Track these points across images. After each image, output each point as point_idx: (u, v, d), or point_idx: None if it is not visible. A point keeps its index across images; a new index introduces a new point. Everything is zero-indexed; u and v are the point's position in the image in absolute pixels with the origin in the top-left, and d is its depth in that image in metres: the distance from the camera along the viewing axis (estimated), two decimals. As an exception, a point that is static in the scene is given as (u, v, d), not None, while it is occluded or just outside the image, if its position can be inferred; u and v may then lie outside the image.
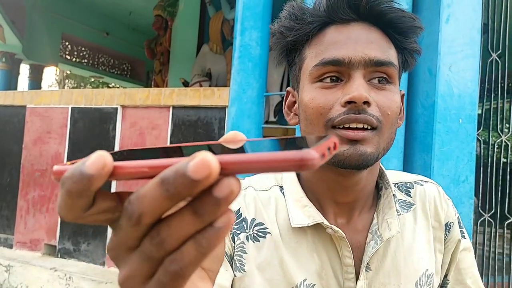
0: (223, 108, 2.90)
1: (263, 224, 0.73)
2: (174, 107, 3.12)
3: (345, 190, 0.72)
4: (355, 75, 0.66)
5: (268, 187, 0.77)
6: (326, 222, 0.70)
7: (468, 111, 2.11)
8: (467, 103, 2.11)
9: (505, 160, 2.88)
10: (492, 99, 2.77)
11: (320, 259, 0.71)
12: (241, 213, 0.74)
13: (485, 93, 2.75)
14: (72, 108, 3.54)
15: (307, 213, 0.71)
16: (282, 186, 0.77)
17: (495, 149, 2.80)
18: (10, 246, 3.70)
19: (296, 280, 0.70)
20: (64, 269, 3.18)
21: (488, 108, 2.79)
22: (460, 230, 0.82)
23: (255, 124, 2.49)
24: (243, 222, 0.73)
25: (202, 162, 0.23)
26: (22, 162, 3.74)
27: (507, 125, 2.90)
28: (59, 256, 3.48)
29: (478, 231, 2.75)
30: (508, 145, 2.79)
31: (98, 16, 8.04)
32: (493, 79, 2.70)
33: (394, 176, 0.83)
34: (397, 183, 0.82)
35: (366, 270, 0.72)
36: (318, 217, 0.70)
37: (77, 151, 3.50)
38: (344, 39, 0.67)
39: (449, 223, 0.81)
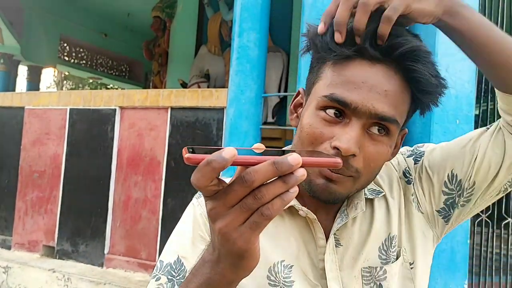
0: (221, 109, 2.91)
1: None
2: (172, 108, 3.12)
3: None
4: (354, 124, 0.67)
5: None
6: (298, 205, 0.76)
7: (465, 112, 2.12)
8: (464, 104, 2.12)
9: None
10: (489, 100, 2.78)
11: (296, 241, 0.78)
12: None
13: (482, 94, 2.76)
14: (71, 110, 3.54)
15: None
16: None
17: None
18: (9, 247, 3.70)
19: (272, 259, 0.76)
20: (62, 270, 3.18)
21: (485, 109, 2.80)
22: (415, 158, 0.86)
23: (253, 125, 2.50)
24: None
25: (297, 157, 0.42)
26: (21, 164, 3.74)
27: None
28: (57, 257, 3.48)
29: (475, 231, 2.76)
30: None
31: (97, 17, 8.03)
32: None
33: None
34: None
35: (336, 246, 0.78)
36: (292, 201, 0.75)
37: (76, 152, 3.50)
38: (360, 83, 0.67)
39: (405, 169, 0.86)
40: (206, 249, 0.56)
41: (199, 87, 4.97)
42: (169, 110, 3.13)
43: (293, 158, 0.42)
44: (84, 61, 8.70)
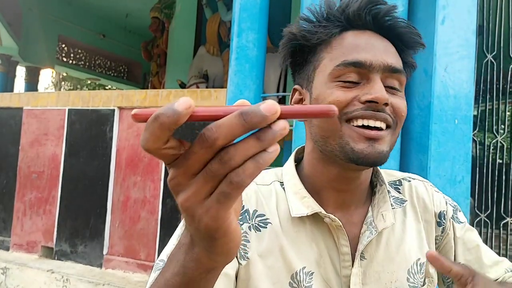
0: (220, 110, 2.90)
1: (264, 215, 0.77)
2: (171, 109, 3.11)
3: (346, 185, 0.78)
4: (375, 78, 0.71)
5: (269, 182, 0.82)
6: (324, 212, 0.74)
7: (464, 112, 2.12)
8: (462, 104, 2.13)
9: (500, 160, 2.90)
10: (487, 100, 2.79)
11: (318, 248, 0.76)
12: (243, 205, 0.77)
13: (481, 94, 2.77)
14: (69, 110, 3.54)
15: (306, 204, 0.76)
16: (282, 182, 0.81)
17: (491, 150, 2.82)
18: (7, 248, 3.69)
19: (296, 267, 0.74)
20: (61, 271, 3.17)
21: (484, 109, 2.81)
22: (456, 217, 0.88)
23: (252, 125, 2.50)
24: (246, 213, 0.77)
25: (273, 104, 0.33)
26: (19, 164, 3.73)
27: (503, 126, 2.91)
28: (56, 258, 3.47)
29: (474, 231, 2.76)
30: (503, 145, 2.80)
31: (95, 18, 8.03)
32: (488, 80, 2.71)
33: (385, 175, 0.87)
34: (388, 182, 0.86)
35: (360, 259, 0.76)
36: (316, 207, 0.75)
37: (74, 153, 3.50)
38: (364, 44, 0.73)
39: (442, 212, 0.87)
40: (182, 232, 0.48)
41: (197, 87, 4.97)
42: (168, 111, 3.13)
43: (267, 106, 0.33)
44: (82, 62, 8.70)
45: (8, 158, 3.80)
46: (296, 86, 0.82)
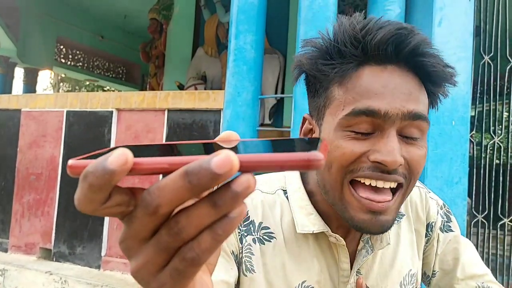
0: (218, 111, 2.91)
1: (269, 228, 0.75)
2: (169, 110, 3.12)
3: None
4: (390, 132, 0.61)
5: (273, 191, 0.79)
6: (330, 232, 0.73)
7: (461, 113, 2.13)
8: (460, 105, 2.14)
9: (498, 161, 2.90)
10: (484, 101, 2.80)
11: (319, 263, 0.75)
12: (249, 216, 0.75)
13: (478, 95, 2.77)
14: (67, 112, 3.54)
15: (312, 221, 0.74)
16: (285, 190, 0.79)
17: (488, 150, 2.82)
18: (5, 250, 3.68)
19: (294, 282, 0.73)
20: (59, 272, 3.17)
21: (481, 110, 2.82)
22: (446, 224, 0.87)
23: (250, 126, 2.51)
24: (251, 225, 0.75)
25: (226, 159, 0.25)
26: (17, 166, 3.73)
27: (500, 127, 2.92)
28: (54, 259, 3.47)
29: (471, 232, 2.77)
30: (501, 146, 2.81)
31: (93, 19, 8.02)
32: (486, 81, 2.72)
33: None
34: None
35: (356, 274, 0.76)
36: (323, 227, 0.73)
37: (72, 154, 3.49)
38: (380, 88, 0.62)
39: (430, 223, 0.86)
40: None
41: (196, 89, 4.97)
42: (166, 112, 3.14)
43: (219, 161, 0.25)
44: (80, 63, 8.69)
45: (6, 160, 3.80)
46: (306, 115, 0.75)
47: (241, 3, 2.50)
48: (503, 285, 2.91)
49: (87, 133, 3.45)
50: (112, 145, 3.30)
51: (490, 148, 2.82)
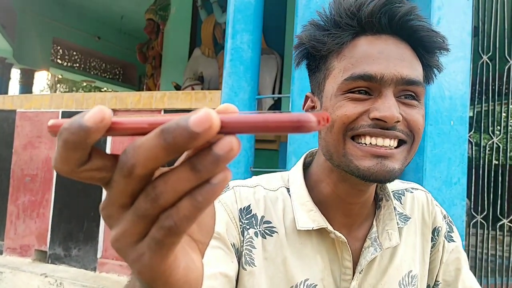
0: (215, 112, 2.89)
1: (271, 222, 0.76)
2: (165, 111, 3.10)
3: (355, 199, 0.75)
4: (386, 92, 0.65)
5: (276, 188, 0.79)
6: (330, 227, 0.73)
7: (460, 113, 2.12)
8: (458, 105, 2.12)
9: (496, 162, 2.89)
10: (483, 102, 2.79)
11: (322, 261, 0.75)
12: (251, 209, 0.76)
13: (476, 95, 2.76)
14: (63, 112, 3.52)
15: (312, 217, 0.74)
16: (289, 188, 0.79)
17: (487, 151, 2.81)
18: (0, 252, 3.66)
19: (296, 279, 0.73)
20: (55, 274, 3.14)
21: (480, 111, 2.80)
22: (448, 234, 0.87)
23: (247, 127, 2.48)
24: (253, 218, 0.75)
25: (204, 115, 0.23)
26: (12, 167, 3.70)
27: (498, 127, 2.91)
28: (49, 261, 3.44)
29: (470, 233, 2.75)
30: (499, 146, 2.80)
31: (90, 20, 8.00)
32: (484, 81, 2.71)
33: (388, 185, 0.85)
34: (392, 191, 0.84)
35: (359, 273, 0.76)
36: (323, 222, 0.73)
37: (68, 155, 3.46)
38: (376, 54, 0.66)
39: (437, 227, 0.86)
40: None
41: (193, 89, 4.95)
42: (162, 113, 3.12)
43: (197, 119, 0.23)
44: (77, 64, 8.67)
45: (1, 161, 3.77)
46: (308, 93, 0.79)
47: (238, 3, 2.49)
48: (502, 286, 2.90)
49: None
50: (108, 145, 3.28)
51: (489, 148, 2.81)
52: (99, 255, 3.26)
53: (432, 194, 0.92)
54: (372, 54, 0.66)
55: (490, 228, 2.78)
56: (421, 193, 0.88)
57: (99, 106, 0.25)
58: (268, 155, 3.80)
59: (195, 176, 0.25)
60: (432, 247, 0.85)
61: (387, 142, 0.65)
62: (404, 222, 0.80)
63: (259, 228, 0.75)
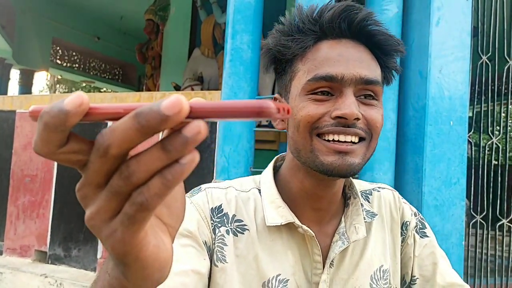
0: (215, 112, 2.89)
1: (242, 221, 0.79)
2: (165, 111, 3.10)
3: (322, 195, 0.79)
4: (347, 92, 0.70)
5: (248, 189, 0.84)
6: (297, 222, 0.76)
7: (459, 113, 2.12)
8: (458, 105, 2.12)
9: (496, 162, 2.89)
10: (482, 102, 2.79)
11: (293, 256, 0.78)
12: (222, 209, 0.79)
13: (476, 96, 2.76)
14: (63, 113, 3.51)
15: (280, 213, 0.77)
16: (260, 189, 0.83)
17: (486, 151, 2.82)
18: (0, 253, 3.65)
19: (268, 274, 0.76)
20: (55, 275, 3.14)
21: (479, 111, 2.81)
22: (421, 230, 0.90)
23: (246, 127, 2.49)
24: (224, 217, 0.79)
25: (175, 100, 0.26)
26: (12, 168, 3.70)
27: (498, 128, 2.91)
28: (49, 262, 3.44)
29: (470, 233, 2.76)
30: (499, 147, 2.80)
31: (89, 20, 8.00)
32: (484, 81, 2.71)
33: (356, 184, 0.89)
34: (360, 191, 0.89)
35: (329, 266, 0.79)
36: (290, 217, 0.77)
37: (68, 156, 3.46)
38: (336, 57, 0.72)
39: (405, 222, 0.90)
40: None
41: (192, 90, 4.95)
42: (162, 113, 3.11)
43: (168, 103, 0.26)
44: (76, 65, 8.67)
45: (1, 162, 3.76)
46: (277, 95, 0.83)
47: (238, 3, 2.49)
48: (501, 286, 2.90)
49: (82, 134, 3.38)
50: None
51: (488, 148, 2.81)
52: (99, 255, 3.26)
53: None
54: (333, 57, 0.72)
55: (489, 228, 2.78)
56: (387, 192, 0.92)
57: (77, 92, 0.28)
58: (267, 155, 3.79)
59: (165, 155, 0.28)
60: (402, 242, 0.89)
61: (349, 138, 0.70)
62: (371, 218, 0.84)
63: (231, 226, 0.78)
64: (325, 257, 0.79)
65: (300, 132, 0.73)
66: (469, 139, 2.51)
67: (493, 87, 2.77)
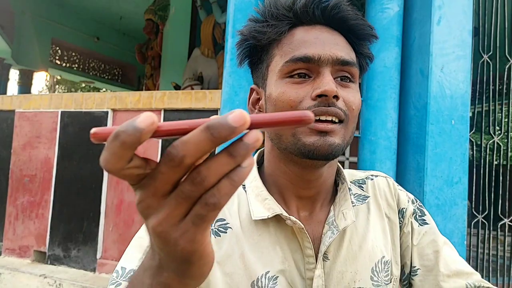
0: (215, 111, 2.88)
1: (224, 219, 0.76)
2: (165, 110, 3.09)
3: (307, 184, 0.76)
4: (324, 72, 0.70)
5: None
6: (285, 213, 0.73)
7: (461, 112, 2.11)
8: (459, 104, 2.11)
9: (497, 162, 2.89)
10: (484, 102, 2.78)
11: (282, 251, 0.74)
12: None
13: (477, 95, 2.76)
14: (62, 112, 3.50)
15: (267, 206, 0.75)
16: (244, 185, 0.80)
17: (488, 151, 2.81)
18: (-1, 253, 3.65)
19: (257, 273, 0.72)
20: (54, 275, 3.13)
21: (480, 111, 2.80)
22: (420, 218, 0.87)
23: (247, 126, 2.48)
24: None
25: (241, 115, 0.30)
26: (11, 167, 3.69)
27: (499, 127, 2.91)
28: (49, 262, 3.43)
29: (471, 232, 2.75)
30: (500, 146, 2.79)
31: (89, 21, 7.99)
32: (485, 81, 2.71)
33: (348, 175, 0.88)
34: (352, 181, 0.87)
35: (323, 260, 0.75)
36: (278, 209, 0.73)
37: (67, 155, 3.46)
38: (312, 39, 0.72)
39: (402, 209, 0.86)
40: (146, 253, 0.44)
41: (192, 90, 4.94)
42: (162, 112, 3.11)
43: (235, 117, 0.30)
44: (76, 65, 8.65)
45: (0, 162, 3.75)
46: (253, 86, 0.83)
47: (238, 2, 2.48)
48: (503, 286, 2.89)
49: (82, 134, 3.41)
50: (108, 146, 3.27)
51: (489, 148, 2.80)
52: (98, 255, 3.24)
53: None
54: (309, 39, 0.73)
55: (491, 228, 2.77)
56: (381, 179, 0.89)
57: (147, 112, 0.31)
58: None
59: (232, 160, 0.32)
60: (400, 230, 0.86)
61: (329, 118, 0.69)
62: (362, 202, 0.82)
63: (212, 226, 0.74)
64: (318, 250, 0.75)
65: None
66: (471, 138, 2.50)
67: (494, 87, 2.76)
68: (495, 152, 2.76)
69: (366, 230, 0.80)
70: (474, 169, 2.71)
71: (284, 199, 0.78)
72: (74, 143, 3.45)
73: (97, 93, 3.46)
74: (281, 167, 0.77)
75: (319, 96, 0.69)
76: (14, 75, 7.94)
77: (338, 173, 0.83)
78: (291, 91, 0.71)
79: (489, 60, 2.67)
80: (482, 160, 2.73)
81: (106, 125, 3.28)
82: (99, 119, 3.32)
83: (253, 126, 0.32)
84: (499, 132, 2.86)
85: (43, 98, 3.67)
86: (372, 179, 0.88)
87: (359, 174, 0.90)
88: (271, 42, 0.76)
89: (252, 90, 0.83)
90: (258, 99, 0.81)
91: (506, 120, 2.96)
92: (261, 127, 0.32)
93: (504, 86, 2.95)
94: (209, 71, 5.19)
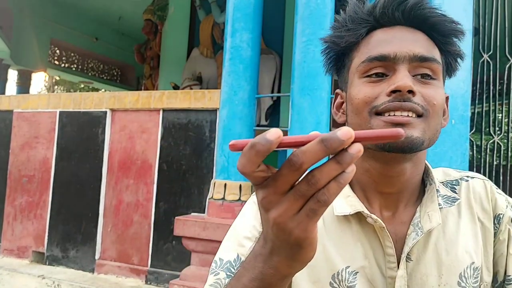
0: (214, 111, 2.87)
1: None
2: (164, 110, 3.08)
3: (389, 180, 0.75)
4: (400, 68, 0.70)
5: None
6: (366, 211, 0.74)
7: (461, 112, 2.10)
8: (459, 104, 2.11)
9: (497, 162, 2.88)
10: (484, 101, 2.77)
11: (363, 248, 0.75)
12: None
13: (477, 96, 2.75)
14: (60, 112, 3.49)
15: (349, 203, 0.76)
16: None
17: (488, 151, 2.80)
18: (-3, 254, 3.63)
19: (338, 266, 0.74)
20: (52, 276, 3.12)
21: (480, 111, 2.79)
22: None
23: (246, 126, 2.47)
24: None
25: (348, 131, 0.38)
26: (9, 168, 3.67)
27: (499, 126, 2.90)
28: (47, 263, 3.42)
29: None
30: (500, 145, 2.78)
31: (87, 21, 7.97)
32: (485, 80, 2.70)
33: (442, 175, 0.85)
34: (444, 182, 0.83)
35: (406, 261, 0.74)
36: (359, 206, 0.75)
37: (66, 155, 3.44)
38: (390, 38, 0.73)
39: (498, 214, 0.81)
40: (257, 242, 0.53)
41: (191, 89, 4.93)
42: (161, 112, 3.09)
43: (344, 133, 0.38)
44: (75, 65, 8.63)
45: (-2, 162, 3.74)
46: (338, 90, 0.84)
47: (237, 1, 2.47)
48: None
49: (80, 134, 3.40)
50: (106, 146, 3.27)
51: (490, 147, 2.79)
52: (97, 256, 3.23)
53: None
54: (387, 39, 0.73)
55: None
56: (478, 181, 0.84)
57: (275, 129, 0.39)
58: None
59: (339, 167, 0.40)
60: (494, 237, 0.80)
61: (405, 113, 0.68)
62: (450, 204, 0.78)
63: None
64: (401, 249, 0.74)
65: (358, 114, 0.73)
66: (471, 138, 2.49)
67: (494, 86, 2.75)
68: (495, 152, 2.75)
69: (455, 234, 0.77)
70: (474, 169, 2.70)
71: (367, 197, 0.78)
72: (72, 143, 3.43)
73: (95, 93, 3.45)
74: (363, 164, 0.76)
75: (394, 92, 0.68)
76: (12, 75, 7.89)
77: (427, 173, 0.80)
78: (367, 89, 0.72)
79: (489, 60, 2.66)
80: (482, 160, 2.73)
81: (104, 124, 3.27)
82: (98, 119, 3.31)
83: (356, 140, 0.39)
84: (499, 132, 2.86)
85: (41, 98, 3.66)
86: (467, 181, 0.83)
87: (454, 174, 0.86)
88: (351, 46, 0.77)
89: (337, 94, 0.84)
90: (342, 103, 0.82)
91: (506, 120, 2.95)
92: (362, 141, 0.40)
93: (504, 86, 2.94)
94: (208, 71, 5.18)
